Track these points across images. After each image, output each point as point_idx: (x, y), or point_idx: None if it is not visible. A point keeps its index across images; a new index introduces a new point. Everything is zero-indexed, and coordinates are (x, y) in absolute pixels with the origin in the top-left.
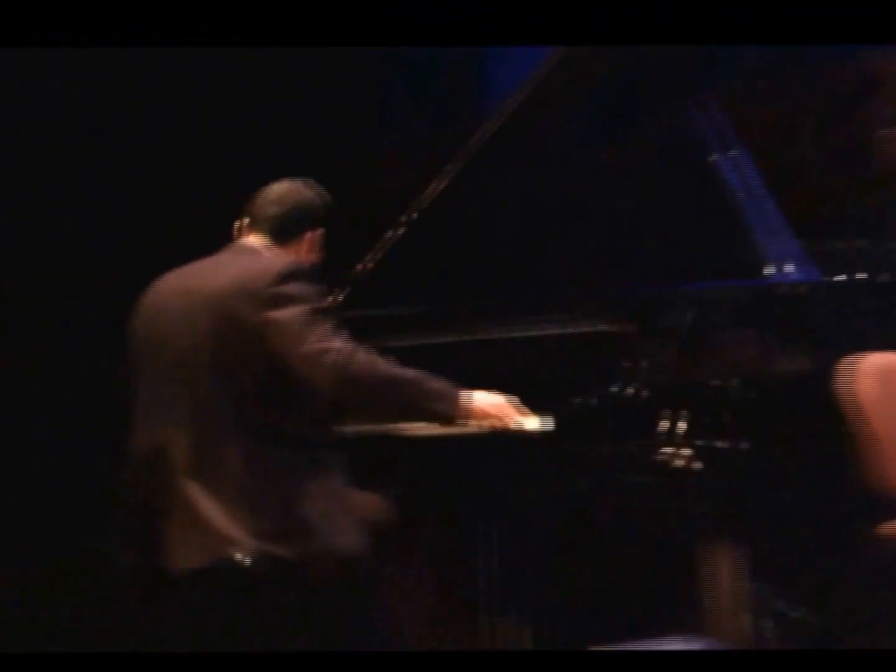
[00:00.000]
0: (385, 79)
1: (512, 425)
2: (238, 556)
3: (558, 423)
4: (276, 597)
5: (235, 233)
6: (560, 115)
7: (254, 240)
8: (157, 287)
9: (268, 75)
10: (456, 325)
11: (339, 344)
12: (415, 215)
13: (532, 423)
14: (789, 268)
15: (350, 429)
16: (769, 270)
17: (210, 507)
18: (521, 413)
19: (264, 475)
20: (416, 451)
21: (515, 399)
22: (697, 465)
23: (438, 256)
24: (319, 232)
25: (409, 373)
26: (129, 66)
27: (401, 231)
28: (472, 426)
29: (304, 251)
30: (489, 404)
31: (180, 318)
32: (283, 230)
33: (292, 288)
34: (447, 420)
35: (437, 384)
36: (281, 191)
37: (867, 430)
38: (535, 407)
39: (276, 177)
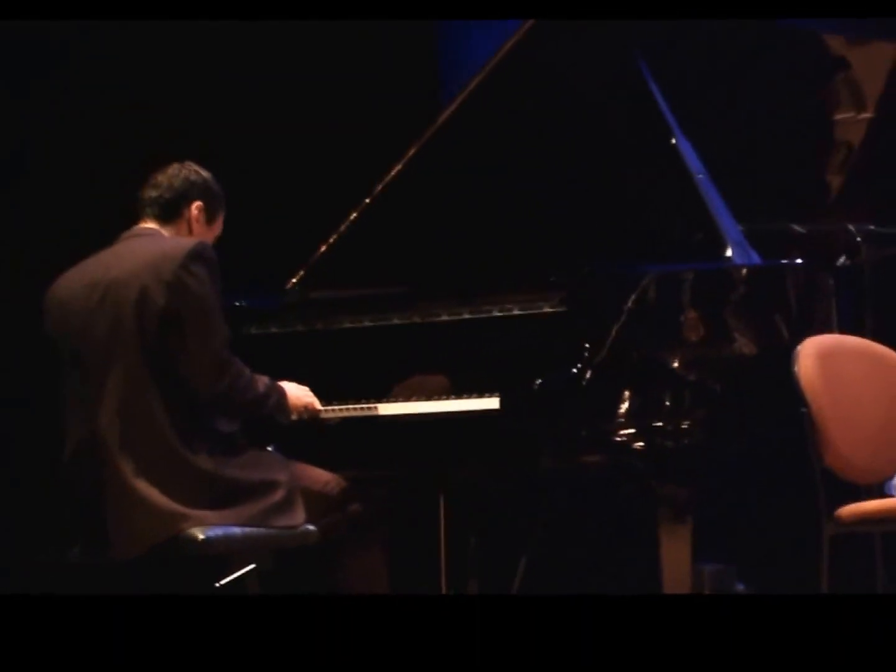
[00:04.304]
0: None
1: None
2: (185, 528)
3: (505, 404)
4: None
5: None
6: (520, 94)
7: (147, 224)
8: (58, 289)
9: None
10: (403, 306)
11: (237, 365)
12: (367, 198)
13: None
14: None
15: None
16: (728, 253)
17: (146, 486)
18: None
19: (201, 445)
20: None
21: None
22: (651, 446)
23: (386, 238)
24: (197, 204)
25: (261, 386)
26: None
27: (355, 211)
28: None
29: (194, 227)
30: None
31: (90, 311)
32: (166, 209)
33: (198, 269)
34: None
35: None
36: (159, 175)
37: (812, 410)
38: (483, 387)
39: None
